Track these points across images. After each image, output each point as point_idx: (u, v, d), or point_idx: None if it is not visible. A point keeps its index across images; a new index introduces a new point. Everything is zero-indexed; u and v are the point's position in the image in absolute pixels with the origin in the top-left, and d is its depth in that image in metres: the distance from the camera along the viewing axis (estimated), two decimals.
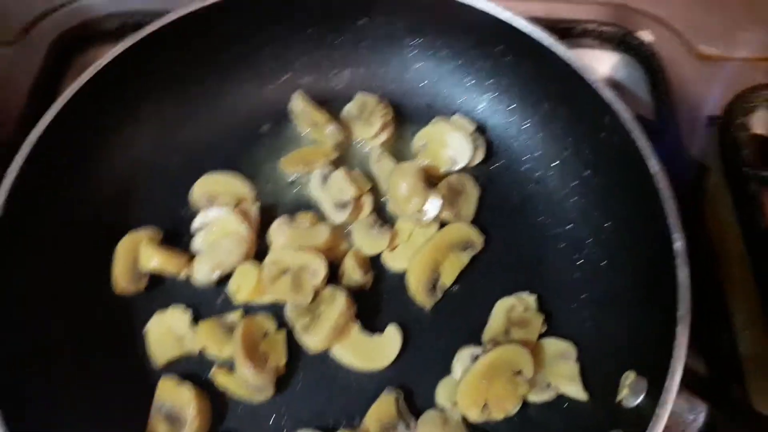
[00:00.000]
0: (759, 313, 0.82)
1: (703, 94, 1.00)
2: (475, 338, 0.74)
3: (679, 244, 0.65)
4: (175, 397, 0.68)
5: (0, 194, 0.67)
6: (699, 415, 0.61)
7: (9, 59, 0.98)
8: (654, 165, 0.69)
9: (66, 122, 0.74)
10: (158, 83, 0.82)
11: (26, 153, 0.71)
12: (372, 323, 0.75)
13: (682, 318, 0.62)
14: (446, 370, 0.73)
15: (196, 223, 0.78)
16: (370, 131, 0.85)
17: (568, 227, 0.80)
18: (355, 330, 0.73)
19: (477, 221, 0.81)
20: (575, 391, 0.69)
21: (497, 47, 0.83)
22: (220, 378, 0.70)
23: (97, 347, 0.72)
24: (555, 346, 0.72)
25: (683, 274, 0.64)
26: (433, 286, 0.76)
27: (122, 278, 0.74)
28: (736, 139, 0.92)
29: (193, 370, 0.72)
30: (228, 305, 0.75)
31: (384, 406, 0.69)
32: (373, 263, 0.79)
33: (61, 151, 0.74)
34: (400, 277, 0.78)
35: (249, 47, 0.86)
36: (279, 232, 0.77)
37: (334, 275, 0.76)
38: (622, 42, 1.01)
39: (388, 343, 0.73)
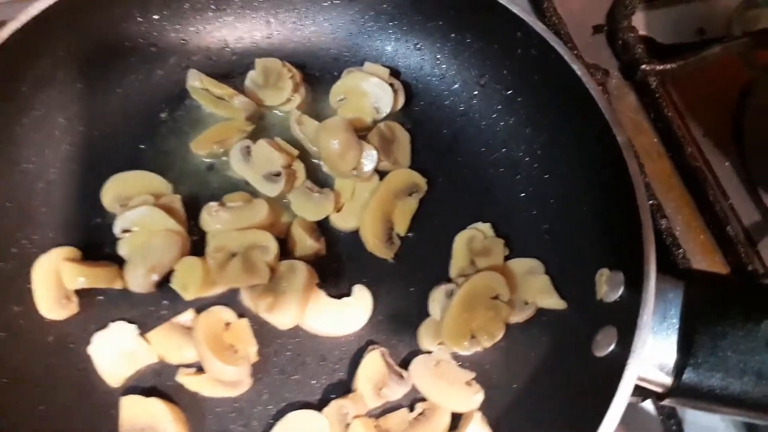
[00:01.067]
0: (685, 198, 0.87)
1: (584, 5, 1.03)
2: (443, 277, 0.73)
3: (622, 137, 0.66)
4: (144, 414, 0.61)
5: None
6: (679, 292, 0.63)
7: None
8: (579, 68, 0.70)
9: None
10: (33, 92, 0.72)
11: None
12: (337, 288, 0.71)
13: (642, 205, 0.63)
14: (422, 315, 0.70)
15: (117, 227, 0.69)
16: (282, 96, 0.79)
17: (503, 151, 0.80)
18: (322, 298, 0.69)
19: (414, 165, 0.79)
20: (553, 301, 0.69)
21: None
22: (189, 382, 0.63)
23: (46, 379, 0.63)
24: (521, 264, 0.72)
25: (633, 165, 0.65)
26: (389, 236, 0.73)
27: (47, 304, 0.65)
28: (626, 40, 0.96)
29: (153, 382, 0.65)
30: (174, 308, 0.68)
31: (371, 364, 0.66)
32: (322, 228, 0.74)
33: None
34: (354, 236, 0.74)
35: (123, 36, 0.77)
36: (212, 218, 0.71)
37: (283, 251, 0.71)
38: None
39: (359, 304, 0.70)
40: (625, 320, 0.60)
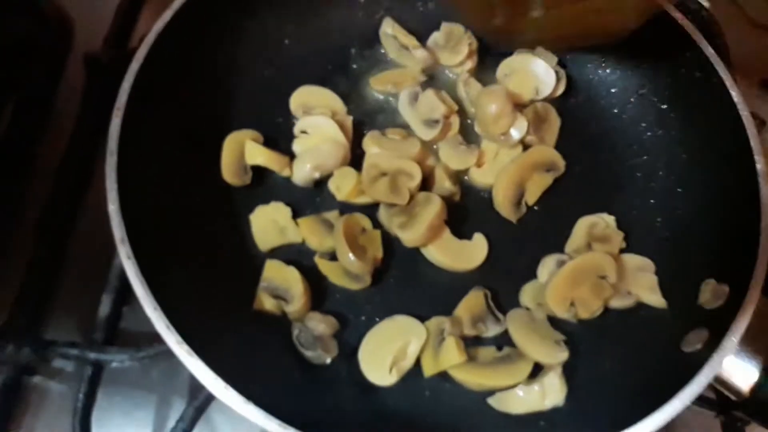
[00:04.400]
0: None
1: (757, 58, 1.06)
2: (557, 251, 0.79)
3: (761, 165, 0.71)
4: (282, 277, 0.72)
5: (121, 97, 0.69)
6: None
7: None
8: (737, 95, 0.75)
9: (173, 35, 0.75)
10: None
11: (140, 59, 0.72)
12: (460, 232, 0.79)
13: (765, 230, 0.67)
14: (529, 277, 0.77)
15: (298, 127, 0.81)
16: (457, 58, 0.89)
17: (644, 158, 0.85)
18: (446, 233, 0.77)
19: (558, 148, 0.85)
20: (655, 299, 0.74)
21: None
22: (322, 265, 0.74)
23: (211, 229, 0.75)
24: (634, 260, 0.77)
25: (765, 192, 0.69)
26: (518, 201, 0.81)
27: (229, 171, 0.77)
28: None
29: (294, 257, 0.76)
30: (324, 205, 0.79)
31: (474, 300, 0.74)
32: (460, 179, 0.83)
33: (170, 61, 0.75)
34: (486, 193, 0.82)
35: None
36: (373, 142, 0.81)
37: (423, 187, 0.80)
38: (681, 4, 1.05)
39: (476, 248, 0.78)
40: (718, 326, 0.64)
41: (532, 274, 0.78)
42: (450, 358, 0.69)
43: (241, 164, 0.78)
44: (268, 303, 0.71)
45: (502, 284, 0.78)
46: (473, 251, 0.78)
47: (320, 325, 0.69)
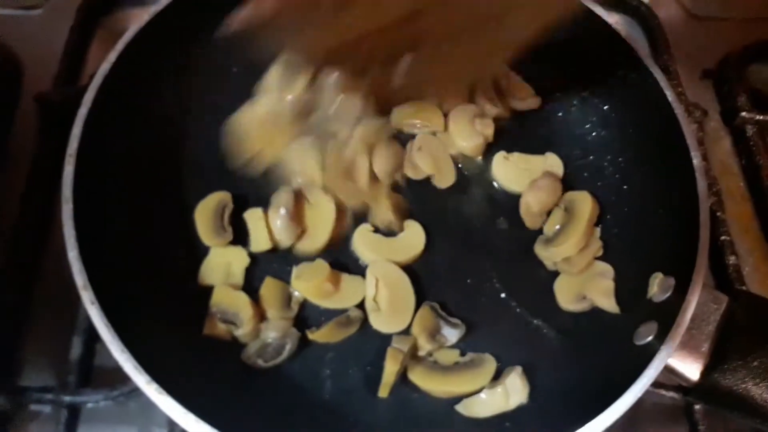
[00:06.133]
0: (760, 243, 0.92)
1: (698, 49, 1.09)
2: None
3: (697, 160, 0.74)
4: (230, 302, 0.74)
5: (72, 143, 0.70)
6: (721, 305, 0.70)
7: (38, 21, 1.03)
8: (671, 94, 0.78)
9: (120, 75, 0.76)
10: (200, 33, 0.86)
11: (88, 103, 0.72)
12: None
13: (703, 222, 0.71)
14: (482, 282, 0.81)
15: None
16: None
17: (590, 158, 0.88)
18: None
19: None
20: (608, 304, 0.77)
21: None
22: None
23: (173, 262, 0.77)
24: (597, 266, 0.80)
25: (702, 186, 0.73)
26: None
27: (207, 236, 0.78)
28: (732, 87, 1.02)
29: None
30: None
31: (425, 315, 0.76)
32: None
33: (119, 102, 0.76)
34: None
35: None
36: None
37: None
38: (621, 3, 1.09)
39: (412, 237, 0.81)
40: (666, 318, 0.68)
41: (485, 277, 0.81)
42: (388, 368, 0.71)
43: (218, 224, 0.79)
44: (218, 328, 0.73)
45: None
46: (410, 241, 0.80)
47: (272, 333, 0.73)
